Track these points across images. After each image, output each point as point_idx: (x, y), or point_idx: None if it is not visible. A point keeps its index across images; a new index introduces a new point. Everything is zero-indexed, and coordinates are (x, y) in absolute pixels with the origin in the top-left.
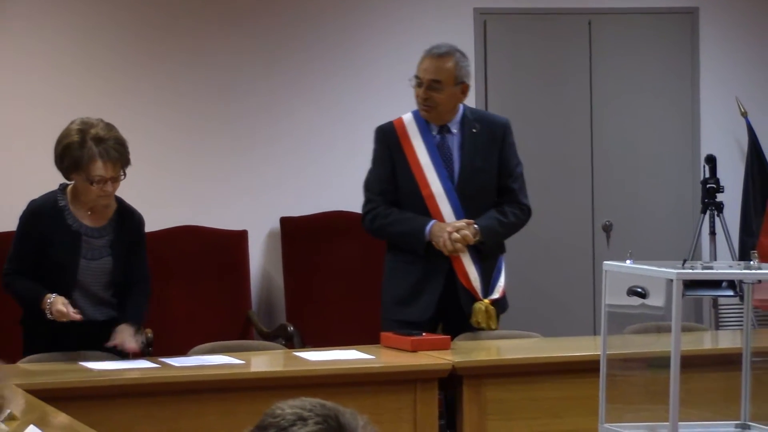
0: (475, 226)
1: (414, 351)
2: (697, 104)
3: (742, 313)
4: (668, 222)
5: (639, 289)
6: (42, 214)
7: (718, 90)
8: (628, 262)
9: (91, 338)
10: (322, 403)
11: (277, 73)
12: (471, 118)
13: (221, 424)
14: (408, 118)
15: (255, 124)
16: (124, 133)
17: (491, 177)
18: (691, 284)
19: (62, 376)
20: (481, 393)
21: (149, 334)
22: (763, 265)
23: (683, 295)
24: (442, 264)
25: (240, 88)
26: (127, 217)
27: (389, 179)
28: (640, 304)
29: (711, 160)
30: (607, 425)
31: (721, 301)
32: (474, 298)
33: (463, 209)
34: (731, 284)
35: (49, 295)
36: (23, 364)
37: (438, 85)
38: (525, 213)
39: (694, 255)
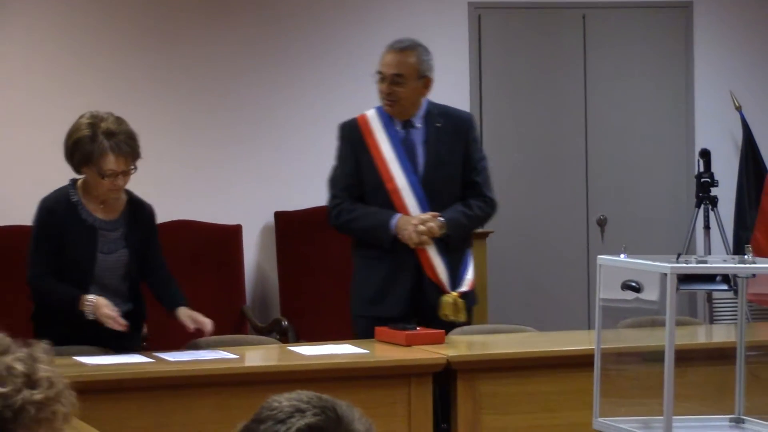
0: (441, 218)
1: (408, 345)
2: (692, 98)
3: (736, 307)
4: (662, 216)
5: (633, 283)
6: (56, 211)
7: (712, 84)
8: (622, 256)
9: (107, 332)
10: (318, 396)
11: (270, 66)
12: (435, 113)
13: (215, 419)
14: (371, 113)
15: (249, 118)
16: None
17: (456, 171)
18: (685, 278)
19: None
20: (476, 387)
21: (144, 330)
22: (758, 259)
23: (677, 289)
24: (410, 258)
25: (234, 83)
26: (138, 209)
27: (353, 175)
28: (635, 298)
29: (705, 154)
30: (601, 419)
31: (716, 295)
32: (442, 292)
33: (428, 203)
34: (725, 278)
35: (87, 297)
36: None
37: (401, 80)
38: (490, 206)
39: (689, 249)
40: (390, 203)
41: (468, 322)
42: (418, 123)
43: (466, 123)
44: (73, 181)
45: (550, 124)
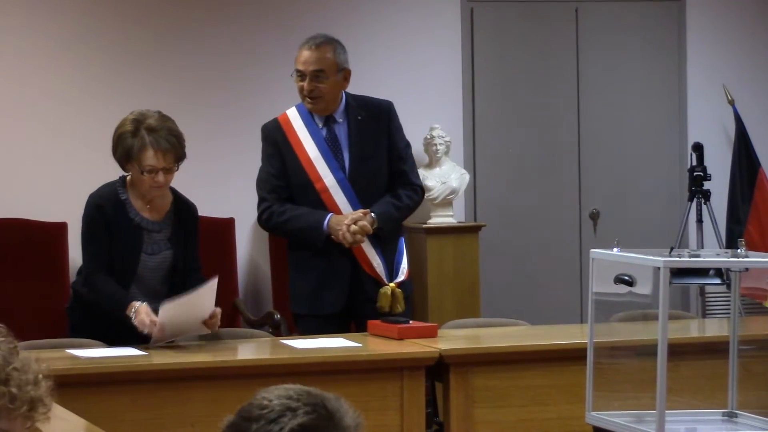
0: (372, 214)
1: (401, 339)
2: (684, 92)
3: (729, 301)
4: (655, 210)
5: (626, 277)
6: (104, 208)
7: (705, 78)
8: (615, 250)
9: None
10: (306, 390)
11: (264, 58)
12: (354, 105)
13: (208, 412)
14: (292, 112)
15: (242, 111)
16: (105, 118)
17: (382, 163)
18: (678, 272)
19: (49, 363)
20: (468, 381)
21: None
22: (750, 253)
23: (670, 283)
24: (345, 255)
25: (227, 75)
26: (183, 209)
27: (280, 176)
28: (627, 292)
29: (698, 148)
30: (594, 413)
31: (708, 289)
32: (379, 284)
33: (358, 198)
34: (718, 272)
35: (134, 303)
36: None
37: (322, 74)
38: (418, 193)
39: (681, 243)
40: (320, 202)
41: (407, 311)
42: (340, 118)
43: (387, 112)
44: (122, 178)
45: (543, 118)
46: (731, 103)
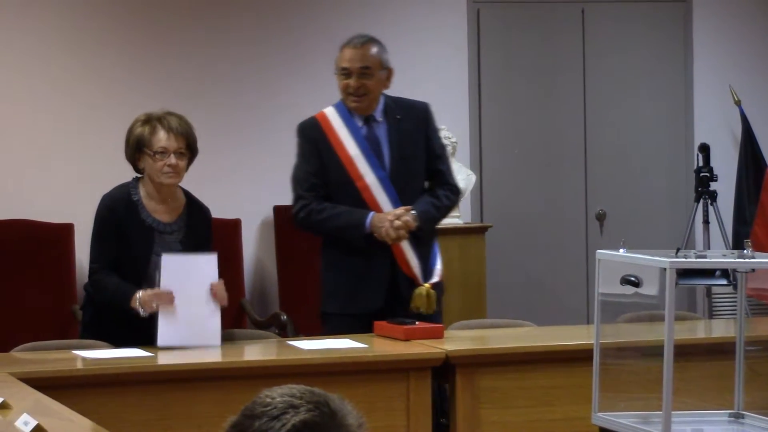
0: (413, 212)
1: (407, 340)
2: (691, 93)
3: (735, 302)
4: (662, 211)
5: (632, 278)
6: (116, 209)
7: (711, 79)
8: (621, 250)
9: (153, 330)
10: (310, 390)
11: (270, 61)
12: (393, 106)
13: (214, 412)
14: (330, 111)
15: (248, 112)
16: (112, 119)
17: (420, 163)
18: (684, 273)
19: (55, 364)
20: (475, 382)
21: None
22: (757, 253)
23: (676, 283)
24: (384, 254)
25: (233, 77)
26: (195, 211)
27: (318, 174)
28: (634, 293)
29: (704, 149)
30: (600, 414)
31: (715, 290)
32: (415, 285)
33: (398, 197)
34: (725, 273)
35: (138, 292)
36: (17, 353)
37: (368, 71)
38: (455, 193)
39: (688, 244)
40: (361, 201)
41: (438, 313)
42: (379, 117)
43: (425, 113)
44: (136, 180)
45: (549, 119)
46: (738, 103)
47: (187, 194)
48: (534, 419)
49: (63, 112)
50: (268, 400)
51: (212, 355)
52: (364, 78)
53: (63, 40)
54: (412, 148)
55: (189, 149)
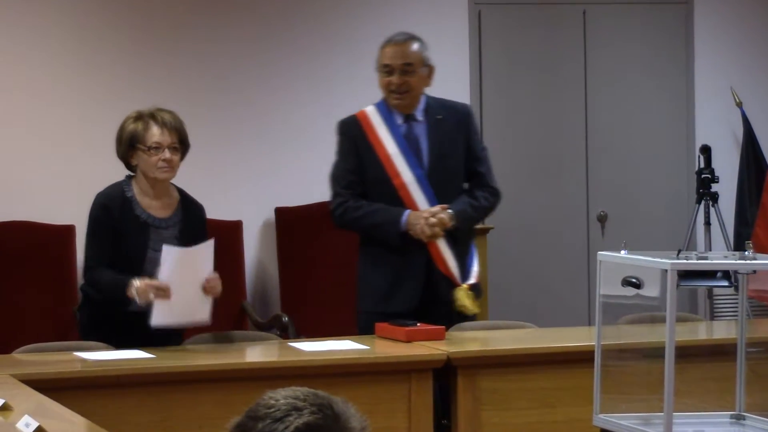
0: (449, 210)
1: (408, 341)
2: (692, 94)
3: (737, 303)
4: (663, 212)
5: (634, 280)
6: (110, 207)
7: (712, 80)
8: (622, 252)
9: (152, 333)
10: (314, 392)
11: (271, 62)
12: (434, 106)
13: (215, 414)
14: (371, 109)
15: (249, 113)
16: (112, 121)
17: (459, 163)
18: (685, 274)
19: (57, 366)
20: (476, 383)
21: None
22: (758, 255)
23: (678, 285)
24: (420, 253)
25: (234, 78)
26: (190, 207)
27: (356, 171)
28: (635, 295)
29: (706, 150)
30: (602, 416)
31: (716, 291)
32: (452, 285)
33: (436, 196)
34: (726, 275)
35: (134, 282)
36: (18, 354)
37: (411, 68)
38: (495, 196)
39: (689, 245)
40: (397, 199)
41: (475, 315)
42: (420, 116)
43: (466, 115)
44: (129, 178)
45: (551, 120)
46: (739, 105)
47: (180, 191)
48: (535, 421)
49: (65, 114)
50: (272, 402)
51: (213, 356)
52: (406, 75)
53: (65, 40)
54: (451, 148)
55: (182, 144)
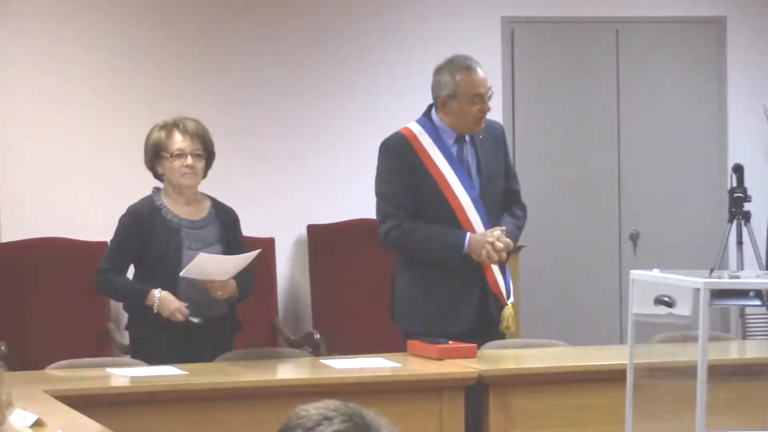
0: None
1: (440, 359)
2: (725, 113)
3: None
4: (695, 231)
5: (666, 298)
6: (140, 215)
7: (745, 99)
8: (655, 271)
9: (201, 342)
10: (345, 404)
11: (304, 79)
12: None
13: (247, 431)
14: (417, 128)
15: (281, 131)
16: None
17: (502, 182)
18: (718, 293)
19: (90, 382)
20: (508, 401)
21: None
22: None
23: (710, 304)
24: (475, 275)
25: (267, 96)
26: (223, 212)
27: (408, 192)
28: (667, 314)
29: (738, 169)
30: None
31: (748, 310)
32: (500, 305)
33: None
34: (758, 294)
35: (154, 292)
36: (51, 370)
37: (490, 93)
38: (526, 212)
39: (721, 264)
40: (455, 220)
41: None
42: (467, 137)
43: (501, 132)
44: (157, 190)
45: (583, 138)
46: None
47: (211, 198)
48: None
49: (101, 134)
50: (303, 412)
51: (245, 373)
52: (489, 100)
53: (101, 61)
54: (496, 168)
55: (206, 151)
